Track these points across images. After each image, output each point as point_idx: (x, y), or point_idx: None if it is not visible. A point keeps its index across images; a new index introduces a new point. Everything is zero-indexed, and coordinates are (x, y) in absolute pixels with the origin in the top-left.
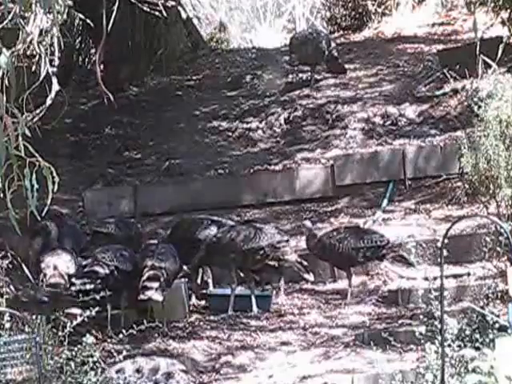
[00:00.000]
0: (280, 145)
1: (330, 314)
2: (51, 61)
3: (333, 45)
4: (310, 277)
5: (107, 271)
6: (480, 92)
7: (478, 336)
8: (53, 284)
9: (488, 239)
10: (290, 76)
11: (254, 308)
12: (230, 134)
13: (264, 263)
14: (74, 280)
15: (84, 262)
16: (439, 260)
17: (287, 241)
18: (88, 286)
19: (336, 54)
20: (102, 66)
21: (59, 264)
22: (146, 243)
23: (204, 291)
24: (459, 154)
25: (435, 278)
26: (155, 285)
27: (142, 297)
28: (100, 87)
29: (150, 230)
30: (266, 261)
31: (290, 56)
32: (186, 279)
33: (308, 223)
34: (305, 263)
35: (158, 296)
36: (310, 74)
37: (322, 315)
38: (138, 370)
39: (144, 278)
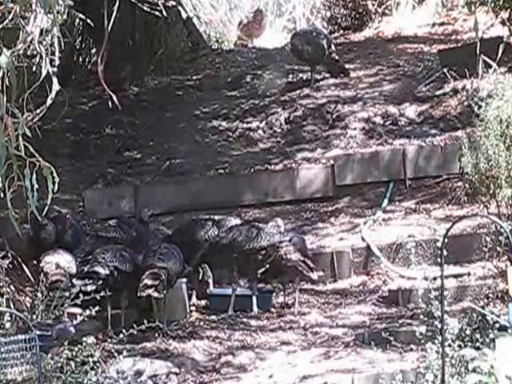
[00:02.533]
0: (280, 145)
1: (330, 314)
2: (51, 61)
3: (332, 47)
4: (314, 275)
5: (107, 272)
6: (480, 92)
7: (478, 336)
8: (54, 282)
9: (488, 239)
10: (290, 76)
11: (255, 308)
12: (231, 133)
13: (266, 263)
14: (74, 281)
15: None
16: (439, 260)
17: (290, 240)
18: (89, 288)
19: (336, 57)
20: (102, 66)
21: (61, 262)
22: (150, 243)
23: (204, 291)
24: (459, 154)
25: (435, 278)
26: (155, 283)
27: (141, 294)
28: (102, 87)
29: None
30: (268, 261)
31: (291, 45)
32: (187, 279)
33: None
34: (309, 262)
35: (156, 293)
36: (309, 73)
37: (322, 315)
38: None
39: (144, 276)
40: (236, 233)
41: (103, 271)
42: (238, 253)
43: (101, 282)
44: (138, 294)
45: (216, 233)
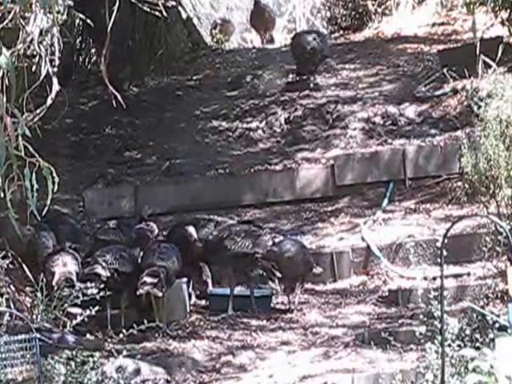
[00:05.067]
0: (280, 145)
1: (330, 314)
2: (51, 61)
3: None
4: (275, 286)
5: (108, 274)
6: (480, 92)
7: (478, 336)
8: (62, 275)
9: (488, 239)
10: (290, 76)
11: (255, 308)
12: (230, 133)
13: (257, 266)
14: (75, 282)
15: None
16: (439, 260)
17: (267, 251)
18: (90, 290)
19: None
20: (105, 66)
21: (68, 261)
22: (149, 243)
23: (204, 291)
24: (459, 154)
25: (435, 278)
26: (154, 280)
27: (140, 291)
28: (106, 87)
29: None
30: (256, 263)
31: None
32: (186, 279)
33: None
34: (277, 274)
35: (156, 291)
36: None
37: (322, 315)
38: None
39: (143, 274)
40: (226, 233)
41: (104, 273)
42: (228, 254)
43: (102, 283)
44: (137, 292)
45: (209, 232)
